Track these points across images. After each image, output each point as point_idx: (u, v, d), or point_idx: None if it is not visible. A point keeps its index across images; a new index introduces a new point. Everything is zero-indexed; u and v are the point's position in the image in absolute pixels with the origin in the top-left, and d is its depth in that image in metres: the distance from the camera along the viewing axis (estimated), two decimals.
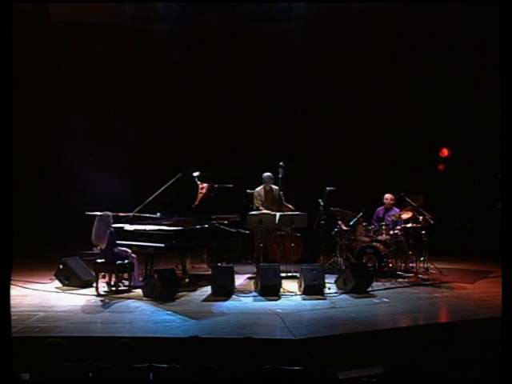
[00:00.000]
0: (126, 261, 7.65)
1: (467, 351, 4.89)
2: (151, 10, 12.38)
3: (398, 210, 9.17)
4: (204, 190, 8.49)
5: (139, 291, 7.48)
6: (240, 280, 8.32)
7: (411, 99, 12.36)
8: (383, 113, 12.31)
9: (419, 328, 6.24)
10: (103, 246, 7.64)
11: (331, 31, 12.20)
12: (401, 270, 8.85)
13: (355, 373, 5.11)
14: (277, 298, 7.30)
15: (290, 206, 9.24)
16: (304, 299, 7.29)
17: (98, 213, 8.20)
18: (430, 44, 12.30)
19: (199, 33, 12.19)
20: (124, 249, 7.77)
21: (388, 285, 8.15)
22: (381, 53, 12.21)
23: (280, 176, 9.09)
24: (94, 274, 7.79)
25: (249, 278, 8.54)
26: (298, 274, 7.94)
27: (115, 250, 7.66)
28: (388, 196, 9.35)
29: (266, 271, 7.55)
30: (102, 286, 7.71)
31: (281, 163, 9.09)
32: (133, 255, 7.81)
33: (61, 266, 8.08)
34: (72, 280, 8.01)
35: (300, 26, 12.38)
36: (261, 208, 9.03)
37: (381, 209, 9.40)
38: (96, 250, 7.92)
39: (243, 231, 8.76)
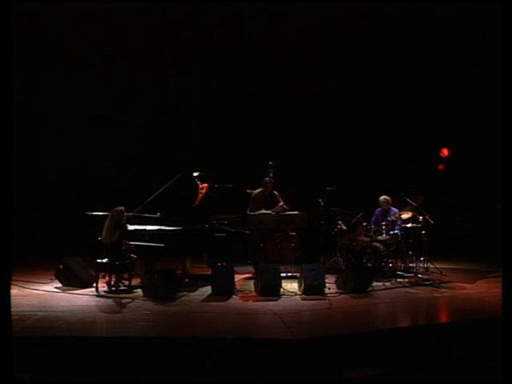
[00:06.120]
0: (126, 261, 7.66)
1: (467, 351, 4.90)
2: None
3: (396, 210, 9.14)
4: (204, 190, 8.48)
5: (139, 291, 7.48)
6: (240, 280, 8.31)
7: (411, 99, 12.36)
8: (383, 113, 12.30)
9: (419, 328, 6.22)
10: (113, 240, 7.68)
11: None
12: (401, 270, 8.84)
13: (355, 373, 5.10)
14: (277, 298, 7.30)
15: (285, 207, 9.17)
16: (304, 299, 7.29)
17: (98, 213, 8.22)
18: (429, 43, 12.29)
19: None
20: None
21: (388, 285, 8.15)
22: (381, 52, 12.20)
23: (270, 175, 8.93)
24: (93, 273, 7.79)
25: (248, 278, 8.54)
26: (297, 274, 7.94)
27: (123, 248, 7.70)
28: (383, 198, 9.29)
29: (266, 271, 7.54)
30: (102, 286, 7.72)
31: (270, 162, 8.95)
32: (133, 255, 7.81)
33: (61, 266, 8.08)
34: (72, 280, 8.01)
35: None
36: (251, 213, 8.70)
37: (378, 211, 9.37)
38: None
39: (243, 231, 8.74)
